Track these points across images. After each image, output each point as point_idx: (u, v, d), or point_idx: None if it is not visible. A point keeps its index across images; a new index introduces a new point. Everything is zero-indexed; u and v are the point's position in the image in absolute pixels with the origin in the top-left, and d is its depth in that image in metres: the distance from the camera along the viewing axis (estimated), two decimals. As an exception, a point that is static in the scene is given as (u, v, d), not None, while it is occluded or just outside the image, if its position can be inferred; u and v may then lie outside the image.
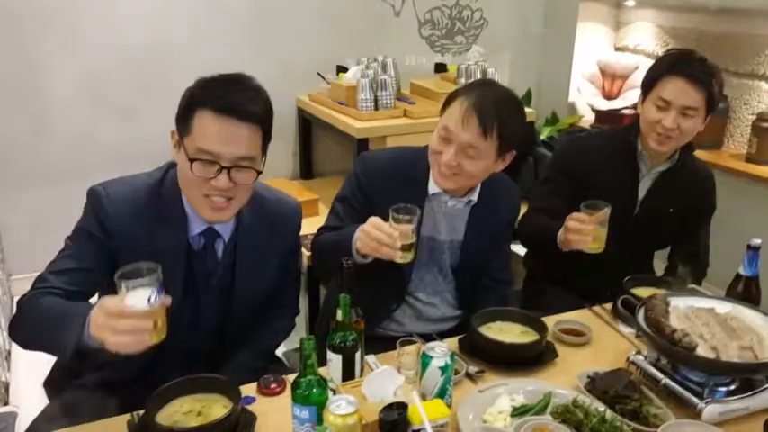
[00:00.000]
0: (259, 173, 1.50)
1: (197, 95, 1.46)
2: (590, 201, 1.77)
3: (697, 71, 1.95)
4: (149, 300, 1.21)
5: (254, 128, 1.46)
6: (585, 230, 1.73)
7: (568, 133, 3.69)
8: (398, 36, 3.83)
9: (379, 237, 1.56)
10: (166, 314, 1.26)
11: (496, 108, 1.69)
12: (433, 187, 1.83)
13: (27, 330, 1.43)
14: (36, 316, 1.40)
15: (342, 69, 3.47)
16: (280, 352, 1.97)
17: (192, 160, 1.44)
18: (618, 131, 2.23)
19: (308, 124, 3.70)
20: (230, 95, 1.44)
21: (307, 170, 3.81)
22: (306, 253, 2.61)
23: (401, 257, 1.58)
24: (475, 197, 1.86)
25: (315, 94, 3.52)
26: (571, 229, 1.76)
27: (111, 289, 1.50)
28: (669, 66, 1.98)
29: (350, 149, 3.23)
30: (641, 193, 2.12)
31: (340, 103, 3.28)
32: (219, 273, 1.61)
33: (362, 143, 3.06)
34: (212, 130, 1.43)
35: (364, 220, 1.65)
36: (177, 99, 1.50)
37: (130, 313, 1.18)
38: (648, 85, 2.03)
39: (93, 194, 1.53)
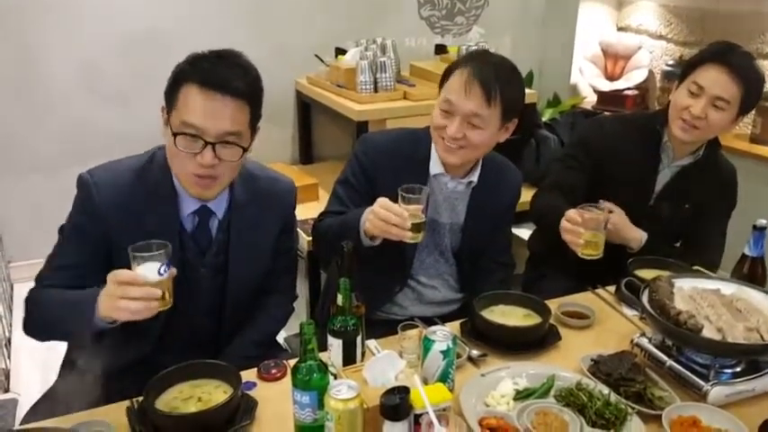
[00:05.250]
0: (245, 149, 1.49)
1: (184, 70, 1.46)
2: (588, 204, 1.71)
3: (740, 65, 1.88)
4: (159, 271, 1.30)
5: (240, 103, 1.45)
6: (577, 232, 1.66)
7: (572, 114, 3.65)
8: (398, 17, 3.78)
9: (389, 217, 1.54)
10: (173, 285, 1.34)
11: (497, 75, 1.68)
12: (434, 168, 1.80)
13: (39, 324, 1.49)
14: (44, 309, 1.46)
15: (340, 51, 3.42)
16: (280, 337, 1.96)
17: (175, 134, 1.42)
18: (645, 117, 2.16)
19: (306, 107, 3.66)
20: (216, 70, 1.43)
21: (306, 154, 3.77)
22: (305, 237, 2.59)
23: (411, 238, 1.57)
24: (475, 178, 1.84)
25: (313, 76, 3.48)
26: (563, 228, 1.70)
27: (108, 269, 1.49)
28: (713, 53, 1.91)
29: (349, 133, 3.19)
30: (659, 185, 2.07)
31: (339, 86, 3.24)
32: (213, 251, 1.60)
33: (362, 126, 3.02)
34: (197, 104, 1.41)
35: (367, 203, 1.63)
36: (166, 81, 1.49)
37: (142, 282, 1.28)
38: (687, 69, 1.97)
39: (80, 182, 1.52)
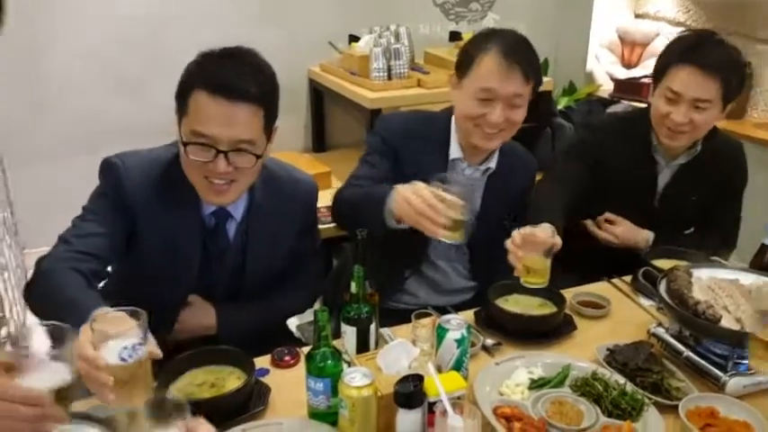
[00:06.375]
0: (258, 157, 1.43)
1: (193, 73, 1.40)
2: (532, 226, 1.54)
3: (711, 58, 1.76)
4: (121, 356, 1.02)
5: (254, 108, 1.39)
6: (516, 256, 1.49)
7: (588, 102, 3.61)
8: (411, 4, 3.74)
9: (423, 209, 1.40)
10: (151, 366, 1.09)
11: (524, 50, 1.68)
12: (454, 153, 1.78)
13: (41, 305, 1.37)
14: (52, 295, 1.34)
15: (354, 39, 3.40)
16: (292, 325, 1.96)
17: (186, 144, 1.38)
18: (631, 123, 2.04)
19: (319, 95, 3.64)
20: (226, 74, 1.37)
21: (319, 142, 3.76)
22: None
23: (447, 237, 1.41)
24: (493, 164, 1.82)
25: (326, 64, 3.46)
26: (508, 250, 1.51)
27: (130, 258, 1.48)
28: (681, 53, 1.80)
29: (362, 121, 3.18)
30: (660, 185, 2.00)
31: (352, 74, 3.22)
32: (232, 252, 1.58)
33: (375, 114, 3.00)
34: (208, 112, 1.36)
35: (394, 179, 1.57)
36: (180, 71, 1.45)
37: (98, 366, 1.02)
38: (658, 74, 1.88)
39: (109, 166, 1.49)
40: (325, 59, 3.48)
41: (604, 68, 4.05)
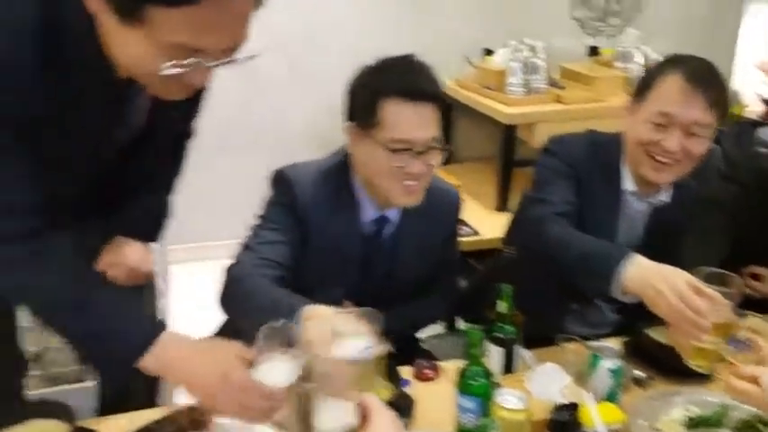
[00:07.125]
0: (444, 151, 1.50)
1: (376, 85, 1.45)
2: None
3: None
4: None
5: (437, 107, 1.46)
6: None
7: (737, 123, 3.39)
8: (547, 17, 3.68)
9: (681, 310, 1.21)
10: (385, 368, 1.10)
11: (710, 75, 1.56)
12: (627, 184, 1.66)
13: (237, 310, 1.42)
14: (251, 299, 1.37)
15: (488, 52, 3.38)
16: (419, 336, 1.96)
17: (391, 151, 1.43)
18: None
19: (448, 108, 3.64)
20: (410, 78, 1.43)
21: (446, 156, 3.75)
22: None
23: (708, 341, 1.22)
24: (666, 197, 1.69)
25: (461, 78, 3.46)
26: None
27: (301, 268, 1.53)
28: None
29: (494, 136, 3.15)
30: None
31: (487, 88, 3.20)
32: (384, 260, 1.61)
33: (510, 129, 2.97)
34: (404, 118, 1.42)
35: (580, 203, 1.55)
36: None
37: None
38: None
39: (282, 178, 1.55)
40: (455, 74, 3.48)
41: (756, 89, 3.78)
